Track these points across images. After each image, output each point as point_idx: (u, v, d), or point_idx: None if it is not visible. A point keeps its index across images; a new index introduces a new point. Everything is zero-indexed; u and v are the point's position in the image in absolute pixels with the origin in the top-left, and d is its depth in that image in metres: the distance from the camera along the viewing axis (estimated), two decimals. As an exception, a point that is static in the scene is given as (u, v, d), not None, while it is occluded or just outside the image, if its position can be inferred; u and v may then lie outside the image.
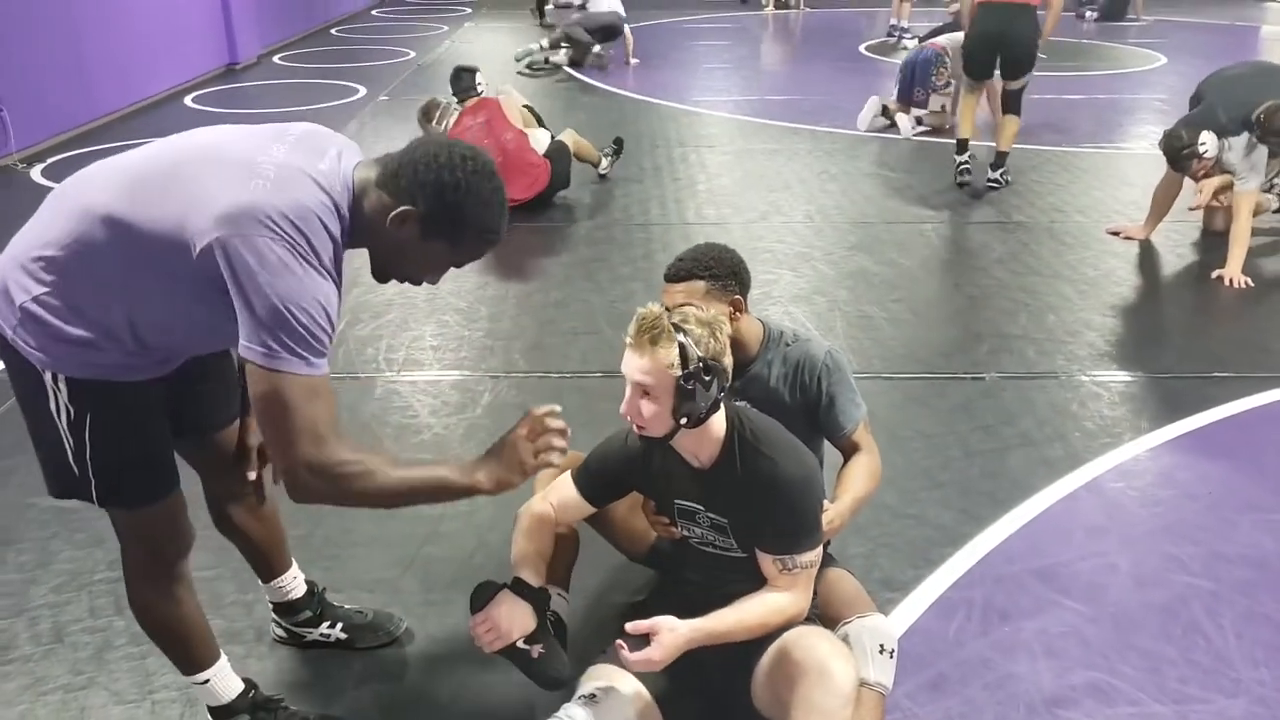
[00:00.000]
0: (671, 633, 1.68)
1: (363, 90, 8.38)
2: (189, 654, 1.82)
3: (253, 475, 1.90)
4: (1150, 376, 3.54)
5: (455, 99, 5.52)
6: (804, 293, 4.29)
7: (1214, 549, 2.55)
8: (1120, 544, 2.58)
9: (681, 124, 7.53)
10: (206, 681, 1.84)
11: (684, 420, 1.73)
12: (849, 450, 2.15)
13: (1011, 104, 5.80)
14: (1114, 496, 2.81)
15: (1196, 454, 3.04)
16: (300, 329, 1.42)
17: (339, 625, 2.19)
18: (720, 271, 2.05)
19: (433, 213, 1.50)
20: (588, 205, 5.54)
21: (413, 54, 10.40)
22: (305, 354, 1.43)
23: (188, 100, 8.13)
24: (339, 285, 1.52)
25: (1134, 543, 2.59)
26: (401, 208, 1.50)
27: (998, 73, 6.04)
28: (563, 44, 9.60)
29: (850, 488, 2.07)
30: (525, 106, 5.71)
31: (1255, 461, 2.98)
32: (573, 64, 9.57)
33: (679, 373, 1.70)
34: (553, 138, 5.56)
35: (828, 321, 3.98)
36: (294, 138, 1.55)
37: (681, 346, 1.70)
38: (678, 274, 2.07)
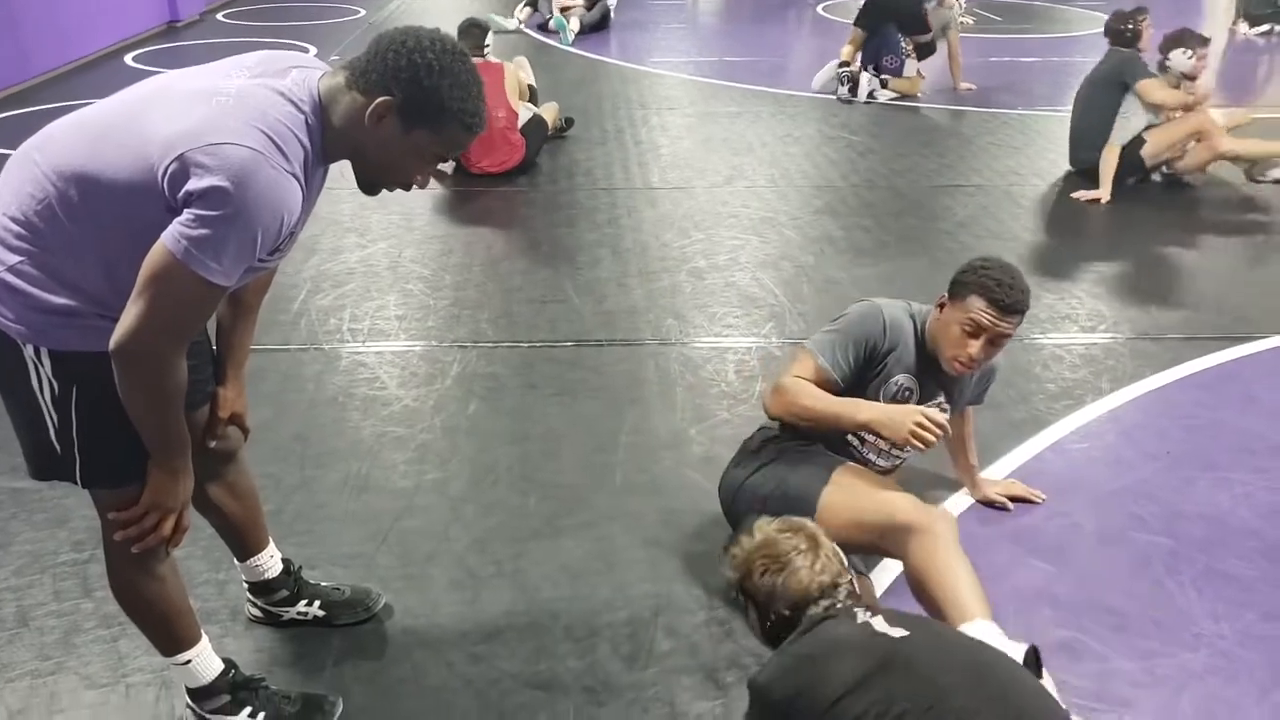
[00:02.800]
0: None
1: (312, 50, 8.14)
2: (171, 634, 1.79)
3: (213, 443, 1.86)
4: (1109, 338, 3.61)
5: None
6: (771, 258, 4.29)
7: (1174, 508, 2.62)
8: (1085, 504, 2.64)
9: (642, 85, 7.45)
10: (188, 662, 1.81)
11: None
12: (969, 411, 2.55)
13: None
14: (1077, 457, 2.87)
15: (1155, 414, 3.12)
16: (234, 243, 1.38)
17: (316, 603, 2.16)
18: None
19: (411, 99, 1.45)
20: (549, 169, 5.47)
21: (363, 11, 10.12)
22: (222, 264, 1.39)
23: (128, 59, 7.84)
24: (306, 193, 1.49)
25: (1098, 503, 2.65)
26: (379, 99, 1.45)
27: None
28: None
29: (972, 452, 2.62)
30: (530, 86, 5.61)
31: (1211, 420, 3.06)
32: (532, 5, 9.38)
33: None
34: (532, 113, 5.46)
35: (795, 288, 3.99)
36: (251, 65, 1.52)
37: None
38: (1019, 307, 2.14)
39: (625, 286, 3.99)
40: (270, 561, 2.11)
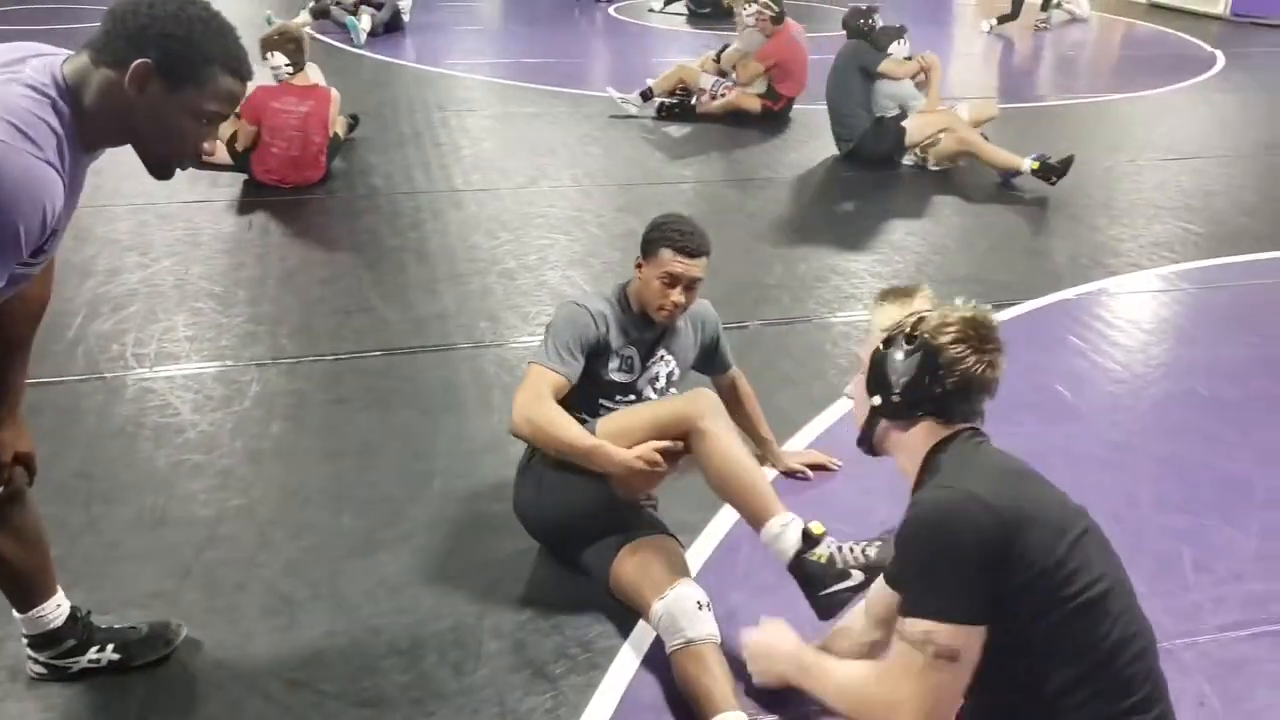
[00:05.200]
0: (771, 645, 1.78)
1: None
2: None
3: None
4: (892, 314, 3.90)
5: (286, 66, 4.93)
6: (579, 256, 4.35)
7: (953, 464, 2.88)
8: (877, 467, 2.79)
9: (438, 88, 7.35)
10: None
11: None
12: (730, 380, 2.70)
13: None
14: (869, 426, 3.09)
15: (934, 381, 3.40)
16: None
17: (109, 647, 2.02)
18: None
19: (167, 55, 1.37)
20: (345, 173, 5.31)
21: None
22: None
23: None
24: (66, 182, 1.39)
25: (888, 465, 2.86)
26: (134, 64, 1.36)
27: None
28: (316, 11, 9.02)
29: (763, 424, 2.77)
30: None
31: (981, 383, 3.38)
32: (318, 15, 9.00)
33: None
34: None
35: (603, 283, 4.05)
36: None
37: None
38: (701, 249, 2.34)
39: (434, 292, 3.94)
40: (56, 610, 1.96)
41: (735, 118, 6.64)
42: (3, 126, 1.29)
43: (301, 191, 5.00)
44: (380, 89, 7.10)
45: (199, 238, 4.41)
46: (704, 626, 2.00)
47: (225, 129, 5.11)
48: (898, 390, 1.53)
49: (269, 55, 4.93)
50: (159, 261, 4.13)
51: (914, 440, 1.56)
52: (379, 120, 6.13)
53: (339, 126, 5.43)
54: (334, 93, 5.22)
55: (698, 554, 2.44)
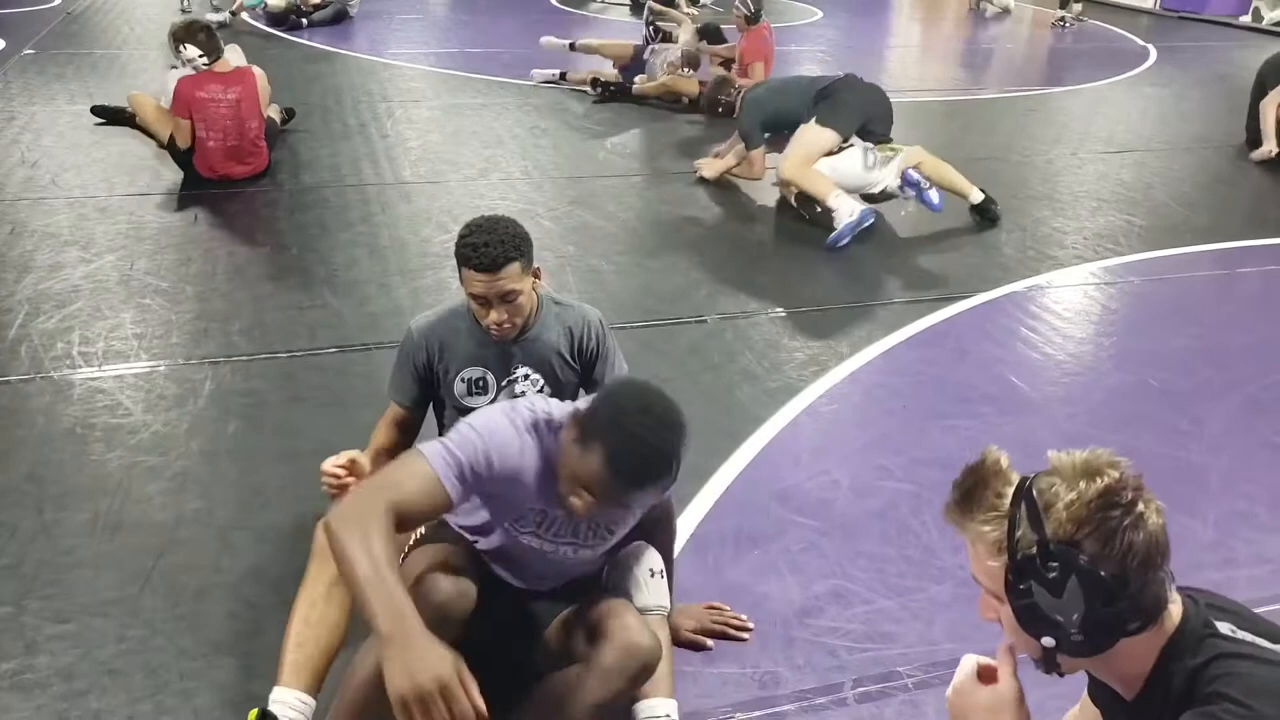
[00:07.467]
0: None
1: (0, 43, 7.23)
2: None
3: None
4: (845, 306, 3.95)
5: (201, 56, 4.73)
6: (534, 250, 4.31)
7: (912, 455, 2.93)
8: (839, 461, 2.90)
9: (382, 78, 7.22)
10: None
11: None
12: None
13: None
14: (829, 418, 3.14)
15: (889, 372, 3.46)
16: (466, 442, 1.67)
17: None
18: (527, 249, 2.05)
19: (614, 462, 1.62)
20: (290, 166, 5.20)
21: (58, 0, 9.10)
22: (447, 460, 1.64)
23: None
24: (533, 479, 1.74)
25: (850, 458, 2.92)
26: (586, 470, 1.65)
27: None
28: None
29: None
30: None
31: (933, 373, 3.45)
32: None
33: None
34: None
35: (559, 277, 4.04)
36: None
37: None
38: (497, 261, 1.98)
39: (387, 286, 3.88)
40: None
41: (675, 105, 6.68)
42: (521, 408, 1.76)
43: (247, 183, 4.88)
44: (323, 80, 6.96)
45: (142, 231, 4.28)
46: (656, 595, 1.92)
47: (161, 128, 4.99)
48: (1075, 628, 1.11)
49: (181, 49, 4.76)
50: (102, 256, 4.00)
51: (1123, 661, 1.17)
52: (323, 112, 6.00)
53: (272, 111, 5.31)
54: (258, 70, 5.10)
55: (667, 549, 2.45)
